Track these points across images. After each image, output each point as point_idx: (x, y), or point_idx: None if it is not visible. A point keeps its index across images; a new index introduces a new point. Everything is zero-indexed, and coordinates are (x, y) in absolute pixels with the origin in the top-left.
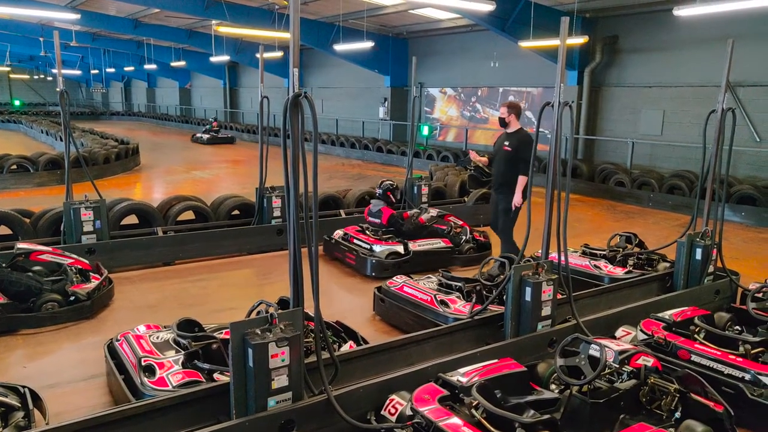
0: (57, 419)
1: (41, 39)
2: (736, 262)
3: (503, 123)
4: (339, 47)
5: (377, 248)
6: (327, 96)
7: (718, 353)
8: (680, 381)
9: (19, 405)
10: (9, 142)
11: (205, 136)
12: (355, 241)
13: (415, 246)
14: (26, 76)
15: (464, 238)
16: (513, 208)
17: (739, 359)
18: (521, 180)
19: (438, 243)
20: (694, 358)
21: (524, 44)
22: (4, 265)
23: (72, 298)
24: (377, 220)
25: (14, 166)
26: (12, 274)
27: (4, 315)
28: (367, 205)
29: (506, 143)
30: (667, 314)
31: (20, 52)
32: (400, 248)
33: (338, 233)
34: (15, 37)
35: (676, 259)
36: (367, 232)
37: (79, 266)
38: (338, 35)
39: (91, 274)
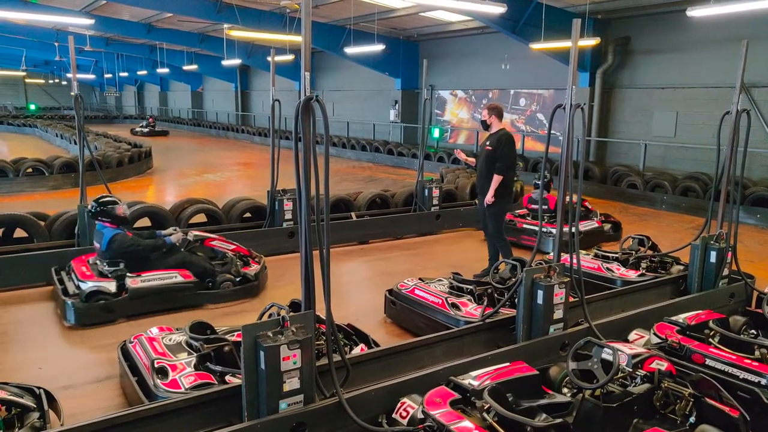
0: (72, 420)
1: (56, 44)
2: (752, 265)
3: (485, 125)
4: (350, 50)
5: (555, 230)
6: (338, 99)
7: (734, 357)
8: (695, 385)
9: (35, 406)
10: (24, 145)
11: (145, 129)
12: (524, 225)
13: (582, 227)
14: (41, 81)
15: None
16: (485, 205)
17: (755, 363)
18: (495, 179)
19: (593, 224)
20: (708, 362)
21: (535, 46)
22: (182, 249)
23: (238, 278)
24: (544, 207)
25: (30, 170)
26: (192, 257)
27: (194, 291)
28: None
29: (487, 143)
30: (681, 318)
31: (35, 57)
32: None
33: None
34: (30, 42)
35: (690, 262)
36: (528, 217)
37: (240, 252)
38: (349, 38)
39: (249, 258)
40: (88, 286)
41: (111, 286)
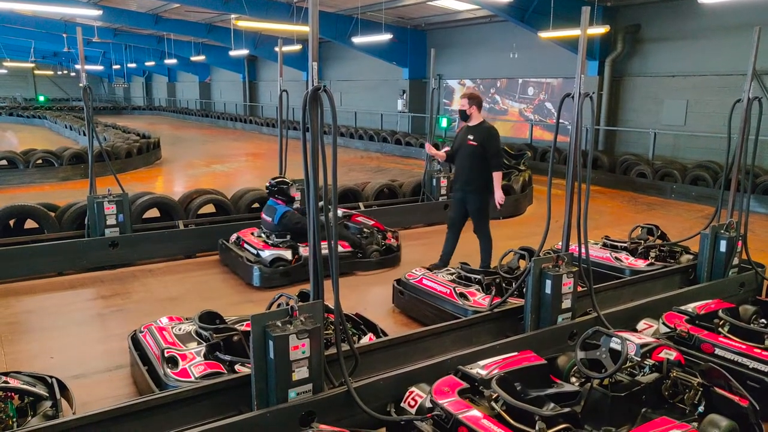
0: (83, 409)
1: (64, 35)
2: (762, 254)
3: (464, 116)
4: (357, 40)
5: None
6: (345, 89)
7: (743, 347)
8: (704, 375)
9: (47, 395)
10: (34, 137)
11: None
12: None
13: None
14: (50, 72)
15: None
16: (498, 207)
17: (765, 353)
18: (496, 176)
19: None
20: (717, 351)
21: (544, 35)
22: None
23: (383, 248)
24: None
25: (40, 161)
26: (343, 231)
27: (351, 260)
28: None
29: (470, 137)
30: (690, 307)
31: (44, 49)
32: None
33: None
34: (39, 34)
35: (699, 251)
36: None
37: (378, 227)
38: (356, 28)
39: (386, 233)
40: (268, 254)
41: (287, 254)
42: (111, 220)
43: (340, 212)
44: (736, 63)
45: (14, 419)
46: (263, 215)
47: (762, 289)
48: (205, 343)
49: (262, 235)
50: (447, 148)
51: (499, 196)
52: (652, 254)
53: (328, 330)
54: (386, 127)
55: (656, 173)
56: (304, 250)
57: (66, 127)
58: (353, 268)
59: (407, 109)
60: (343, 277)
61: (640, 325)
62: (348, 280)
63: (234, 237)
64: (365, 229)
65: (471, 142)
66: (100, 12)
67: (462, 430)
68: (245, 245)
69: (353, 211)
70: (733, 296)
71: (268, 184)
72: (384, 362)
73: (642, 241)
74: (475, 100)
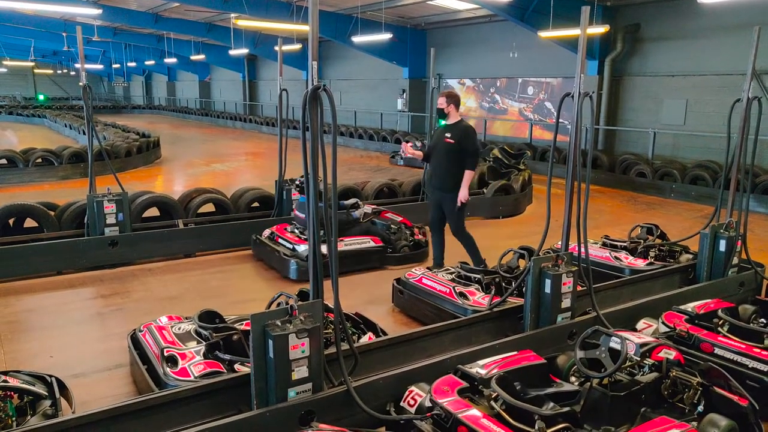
0: (83, 408)
1: (64, 34)
2: (762, 254)
3: (442, 114)
4: (357, 39)
5: None
6: (345, 88)
7: (743, 346)
8: (703, 374)
9: (47, 394)
10: (34, 135)
11: None
12: None
13: None
14: (50, 71)
15: None
16: (459, 204)
17: (765, 352)
18: (468, 174)
19: None
20: (717, 351)
21: (544, 34)
22: (362, 221)
23: (411, 243)
24: None
25: (39, 160)
26: (372, 227)
27: (381, 254)
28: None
29: (447, 135)
30: (689, 306)
31: (44, 47)
32: None
33: None
34: (38, 33)
35: (699, 251)
36: None
37: (405, 223)
38: (356, 27)
39: (413, 228)
40: (304, 248)
41: (322, 248)
42: (111, 219)
43: (369, 209)
44: (736, 62)
45: (14, 418)
46: (296, 212)
47: (761, 288)
48: (204, 342)
49: (296, 230)
50: (419, 153)
51: (463, 195)
52: (652, 254)
53: (327, 329)
54: (386, 127)
55: (656, 173)
56: (338, 245)
57: (66, 126)
58: (384, 262)
59: (407, 109)
60: (373, 272)
61: (640, 325)
62: (375, 275)
63: (267, 232)
64: (393, 225)
65: (448, 140)
66: (100, 11)
67: (461, 430)
68: (280, 240)
69: (382, 208)
70: (732, 296)
71: (297, 182)
72: (383, 362)
73: (641, 241)
74: (452, 98)
